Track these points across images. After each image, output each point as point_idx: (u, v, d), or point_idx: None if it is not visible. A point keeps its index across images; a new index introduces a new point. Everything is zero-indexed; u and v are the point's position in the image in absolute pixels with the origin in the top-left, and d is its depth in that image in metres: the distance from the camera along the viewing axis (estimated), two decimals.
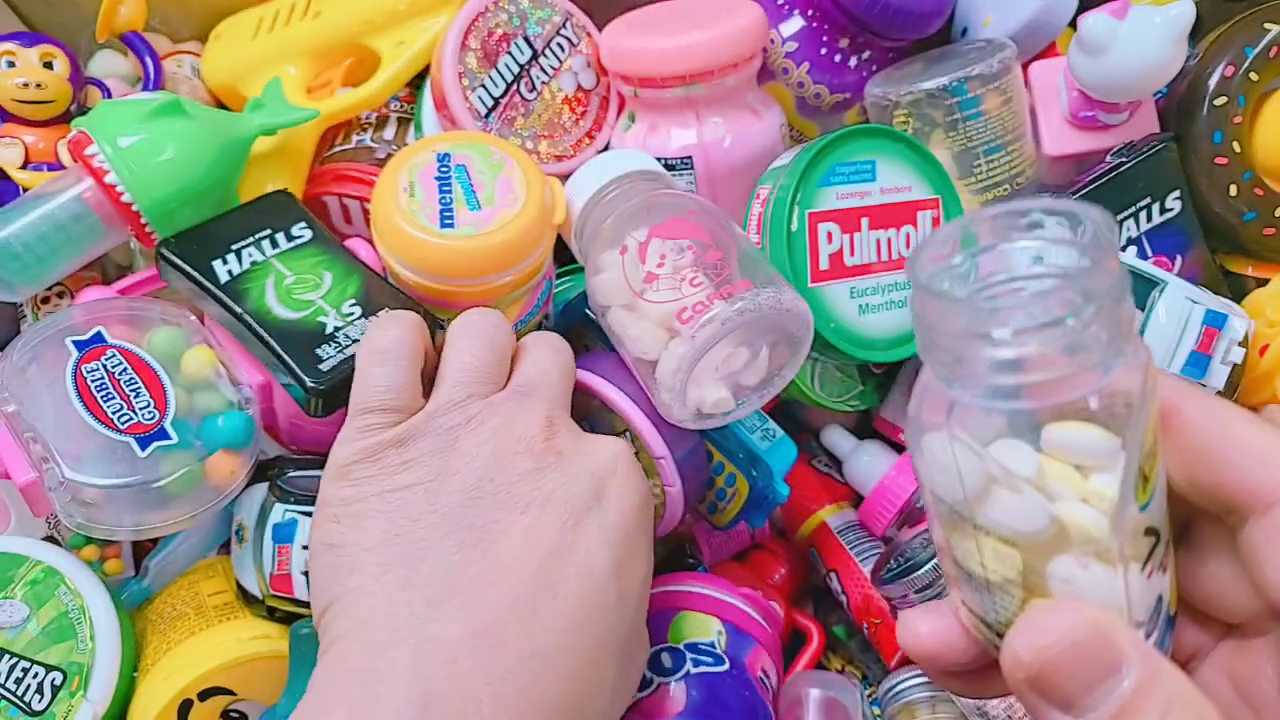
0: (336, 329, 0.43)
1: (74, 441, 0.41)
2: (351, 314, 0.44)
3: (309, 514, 0.43)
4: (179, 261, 0.45)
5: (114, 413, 0.42)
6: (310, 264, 0.46)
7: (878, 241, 0.49)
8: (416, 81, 0.57)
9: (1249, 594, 0.23)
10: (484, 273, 0.44)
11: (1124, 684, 0.20)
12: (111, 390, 0.42)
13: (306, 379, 0.41)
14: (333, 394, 0.41)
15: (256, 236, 0.47)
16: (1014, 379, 0.21)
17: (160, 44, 0.60)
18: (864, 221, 0.48)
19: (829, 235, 0.48)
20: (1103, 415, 0.22)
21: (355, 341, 0.42)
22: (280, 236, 0.47)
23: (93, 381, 0.42)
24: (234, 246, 0.46)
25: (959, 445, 0.22)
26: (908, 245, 0.50)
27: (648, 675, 0.43)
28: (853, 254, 0.48)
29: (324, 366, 0.42)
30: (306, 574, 0.43)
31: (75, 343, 0.44)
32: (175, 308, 0.47)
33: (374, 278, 0.46)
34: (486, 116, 0.52)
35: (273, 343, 0.43)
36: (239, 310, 0.44)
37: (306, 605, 0.43)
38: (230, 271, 0.45)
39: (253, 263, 0.46)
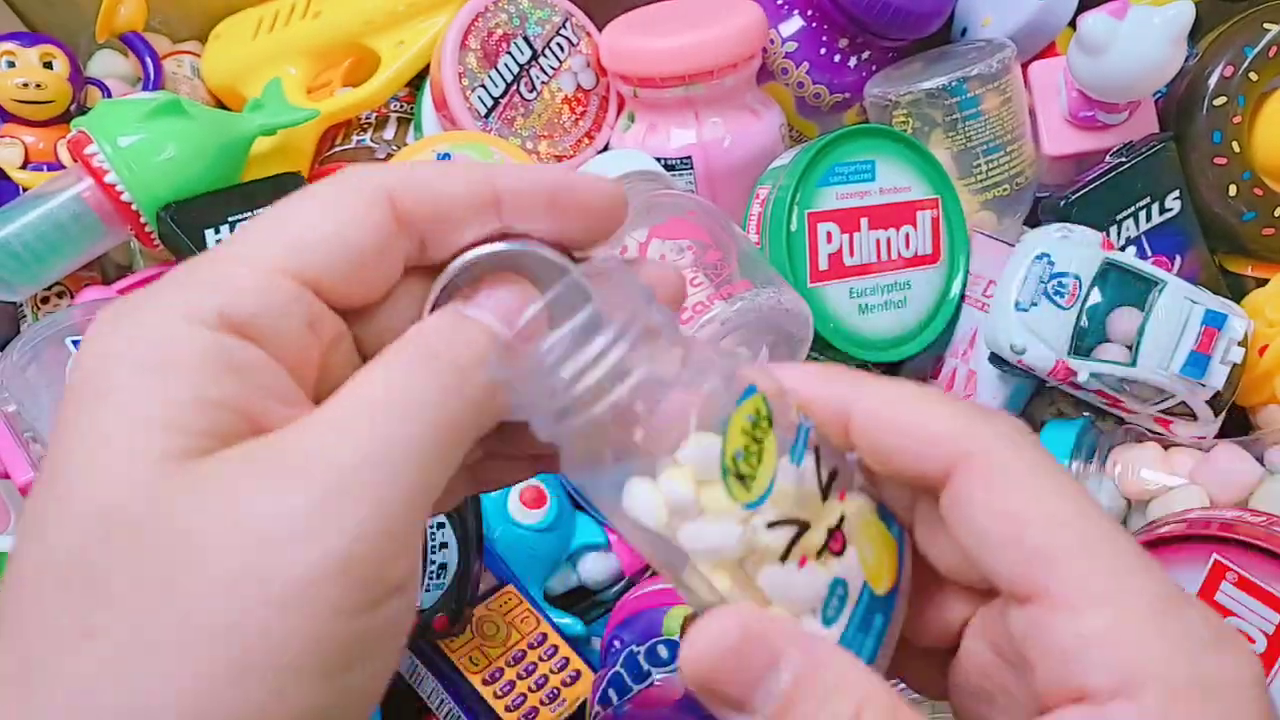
0: None
1: None
2: None
3: None
4: (173, 226, 0.46)
5: None
6: None
7: (877, 241, 0.49)
8: (416, 81, 0.57)
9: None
10: None
11: (782, 678, 0.20)
12: None
13: None
14: None
15: (254, 211, 0.47)
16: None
17: (160, 44, 0.60)
18: (863, 221, 0.48)
19: (828, 235, 0.48)
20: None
21: None
22: None
23: None
24: (230, 218, 0.47)
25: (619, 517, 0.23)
26: (907, 245, 0.50)
27: (644, 668, 0.43)
28: (852, 254, 0.48)
29: None
30: None
31: (75, 343, 0.44)
32: None
33: None
34: (486, 116, 0.52)
35: None
36: None
37: None
38: (219, 241, 0.46)
39: None
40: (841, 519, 0.23)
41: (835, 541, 0.23)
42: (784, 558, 0.22)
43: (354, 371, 0.21)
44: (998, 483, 0.21)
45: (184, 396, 0.19)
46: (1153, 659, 0.19)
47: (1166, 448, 0.50)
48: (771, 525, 0.22)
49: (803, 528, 0.23)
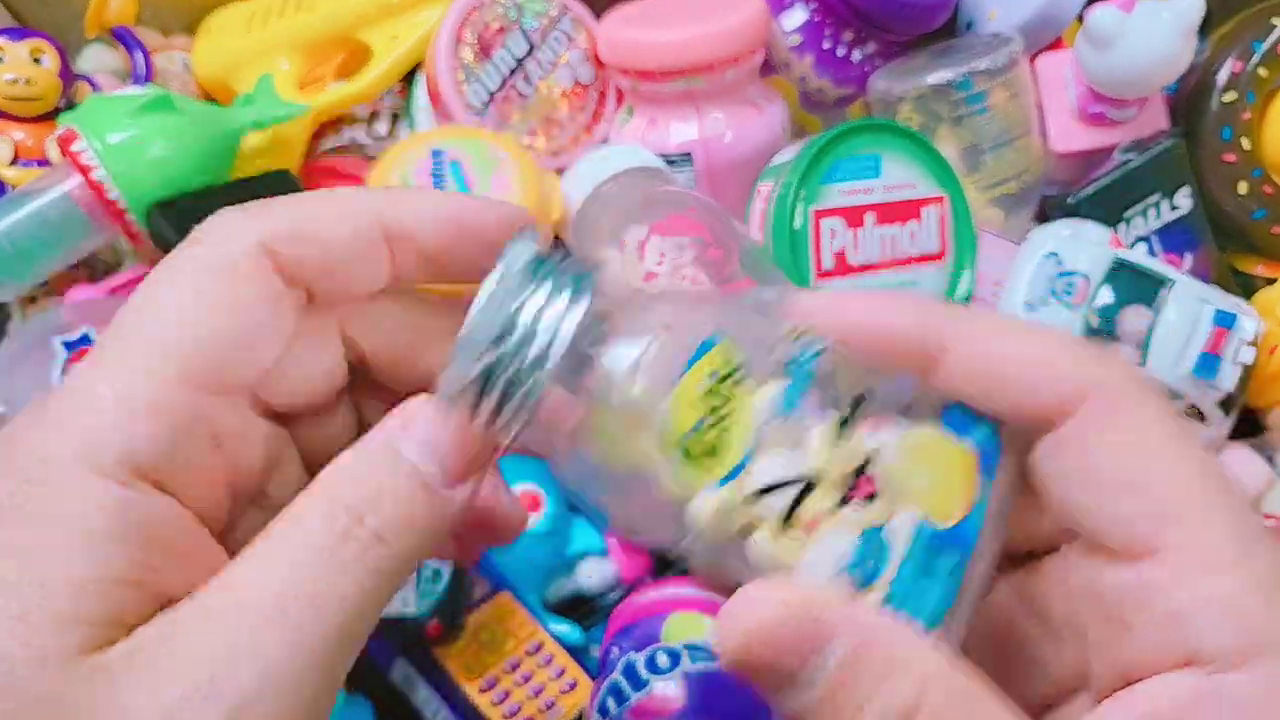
0: None
1: None
2: None
3: None
4: (163, 224, 0.45)
5: None
6: None
7: (882, 239, 0.48)
8: (409, 75, 0.56)
9: (1035, 519, 0.22)
10: None
11: (829, 661, 0.19)
12: None
13: None
14: None
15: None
16: None
17: (151, 39, 0.59)
18: (868, 218, 0.48)
19: (833, 232, 0.47)
20: None
21: None
22: None
23: None
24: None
25: None
26: (913, 242, 0.49)
27: (643, 676, 0.42)
28: (857, 251, 0.47)
29: None
30: None
31: (65, 344, 0.43)
32: None
33: None
34: (482, 111, 0.51)
35: None
36: None
37: None
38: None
39: None
40: (869, 457, 0.20)
41: (861, 487, 0.20)
42: (785, 524, 0.20)
43: (295, 494, 0.19)
44: (1128, 423, 0.20)
45: (85, 577, 0.17)
46: (1277, 629, 0.18)
47: None
48: (758, 495, 0.20)
49: (805, 486, 0.20)
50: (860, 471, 0.20)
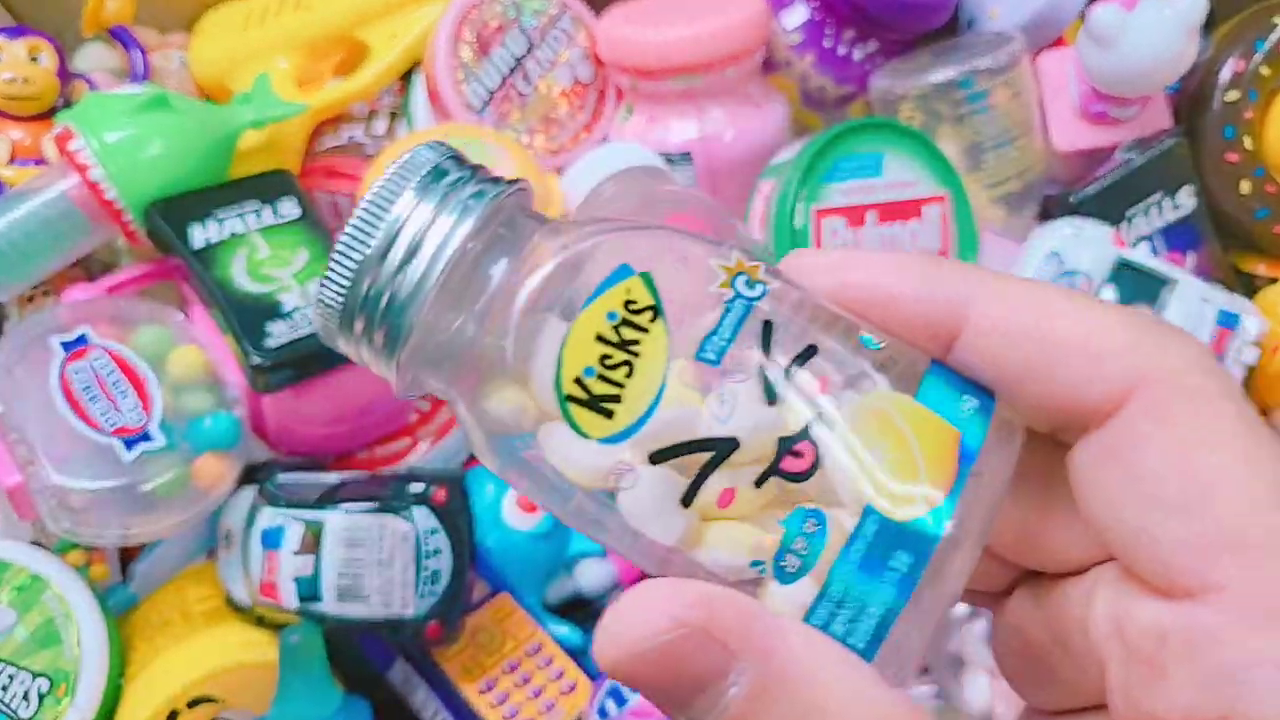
0: (295, 309, 0.44)
1: (59, 444, 0.40)
2: None
3: (298, 518, 0.42)
4: (160, 222, 0.46)
5: (100, 414, 0.41)
6: (290, 241, 0.46)
7: (884, 238, 0.48)
8: (407, 73, 0.56)
9: (1059, 531, 0.18)
10: None
11: (730, 690, 0.15)
12: (97, 391, 0.42)
13: (250, 353, 0.42)
14: (278, 371, 0.42)
15: (243, 208, 0.47)
16: None
17: (148, 37, 0.59)
18: (870, 217, 0.48)
19: (834, 231, 0.47)
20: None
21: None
22: (267, 211, 0.47)
23: (78, 382, 0.42)
24: (218, 214, 0.46)
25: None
26: (914, 241, 0.49)
27: None
28: None
29: (270, 343, 0.42)
30: (296, 580, 0.42)
31: (62, 344, 0.43)
32: (162, 306, 0.46)
33: None
34: (481, 110, 0.51)
35: (227, 313, 0.43)
36: (203, 276, 0.44)
37: (295, 613, 0.43)
38: (207, 239, 0.46)
39: (232, 233, 0.46)
40: (811, 421, 0.16)
41: (795, 458, 0.16)
42: (687, 500, 0.16)
43: None
44: (1185, 425, 0.16)
45: None
46: None
47: None
48: (657, 456, 0.16)
49: (718, 452, 0.16)
50: (798, 439, 0.16)
